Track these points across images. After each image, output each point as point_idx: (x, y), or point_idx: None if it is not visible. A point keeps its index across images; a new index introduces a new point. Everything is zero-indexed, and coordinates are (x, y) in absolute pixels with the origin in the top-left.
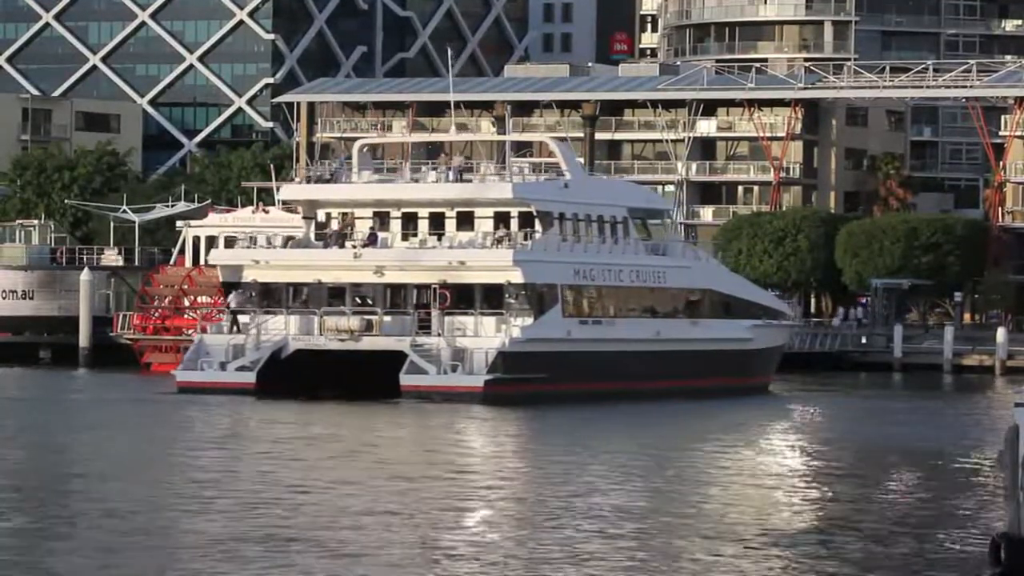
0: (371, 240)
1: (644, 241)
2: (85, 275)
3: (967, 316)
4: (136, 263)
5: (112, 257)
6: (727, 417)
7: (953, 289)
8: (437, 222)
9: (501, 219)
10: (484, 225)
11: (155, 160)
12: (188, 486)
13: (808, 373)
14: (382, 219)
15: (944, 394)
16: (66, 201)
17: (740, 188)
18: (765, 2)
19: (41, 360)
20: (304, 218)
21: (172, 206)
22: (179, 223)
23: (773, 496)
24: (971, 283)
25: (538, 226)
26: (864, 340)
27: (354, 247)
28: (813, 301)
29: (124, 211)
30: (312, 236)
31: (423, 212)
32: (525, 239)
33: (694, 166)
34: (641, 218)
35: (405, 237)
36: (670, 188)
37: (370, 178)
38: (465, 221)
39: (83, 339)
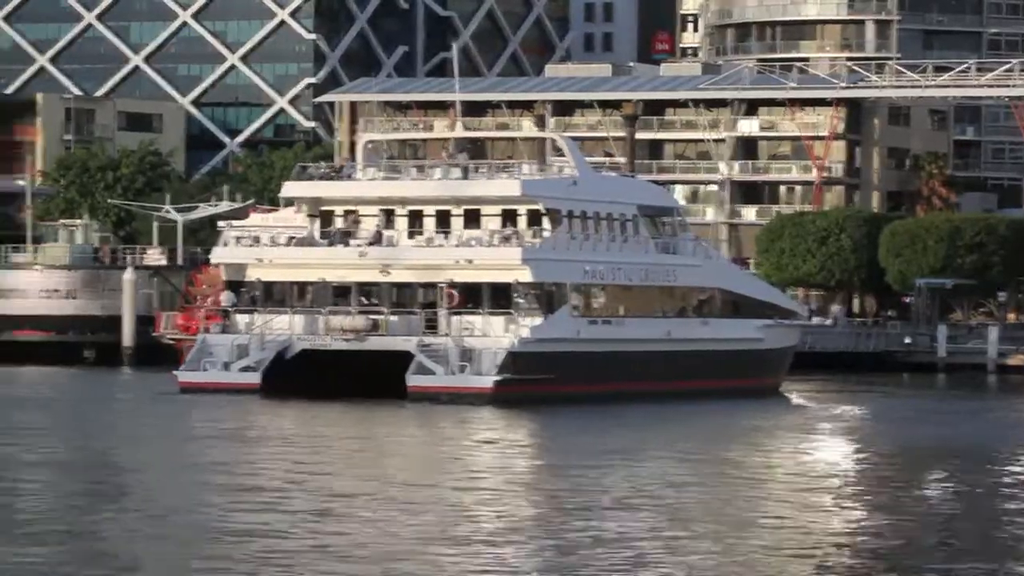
0: (377, 238)
1: (654, 239)
2: (128, 274)
3: (1011, 316)
4: (179, 263)
5: (155, 256)
6: (750, 418)
7: (997, 289)
8: (443, 220)
9: (508, 217)
10: (491, 223)
11: (197, 160)
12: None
13: (852, 373)
14: (387, 217)
15: (989, 394)
16: (109, 201)
17: (782, 188)
18: (807, 1)
19: (85, 360)
20: (308, 216)
21: (215, 206)
22: (221, 223)
23: (812, 498)
24: (1015, 282)
25: (546, 224)
26: (908, 340)
27: (359, 245)
28: (856, 301)
29: (167, 211)
30: (317, 234)
31: (429, 210)
32: (534, 237)
33: (736, 166)
34: (651, 216)
35: (411, 235)
36: (712, 188)
37: (376, 175)
38: (472, 219)
39: (126, 338)
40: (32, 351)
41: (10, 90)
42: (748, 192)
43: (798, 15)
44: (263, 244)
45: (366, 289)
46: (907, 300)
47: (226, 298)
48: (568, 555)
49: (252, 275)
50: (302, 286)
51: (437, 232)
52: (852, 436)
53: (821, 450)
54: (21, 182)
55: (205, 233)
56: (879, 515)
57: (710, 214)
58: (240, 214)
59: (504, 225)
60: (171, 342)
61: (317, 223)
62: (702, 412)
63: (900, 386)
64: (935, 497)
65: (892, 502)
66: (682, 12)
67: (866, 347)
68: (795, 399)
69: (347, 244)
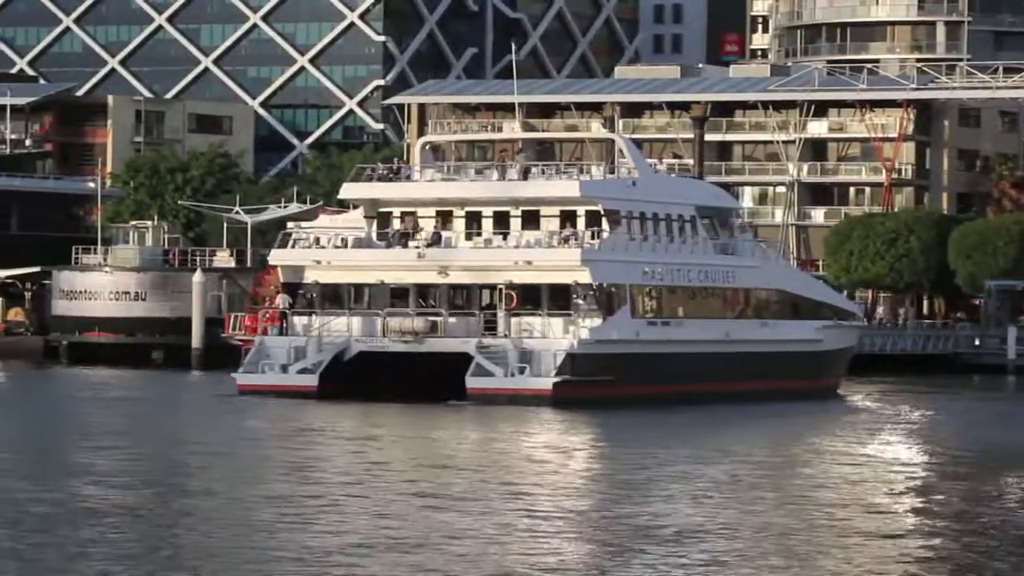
0: (435, 240)
1: (713, 240)
2: (197, 276)
3: None
4: (248, 264)
5: (224, 258)
6: (822, 420)
7: None
8: (502, 221)
9: (567, 218)
10: (550, 224)
11: (267, 162)
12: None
13: (921, 375)
14: (445, 218)
15: None
16: (179, 202)
17: (852, 189)
18: (877, 3)
19: (153, 361)
20: (366, 217)
21: (284, 207)
22: (290, 224)
23: (883, 502)
24: None
25: (605, 225)
26: (977, 342)
27: (417, 247)
28: (926, 303)
29: (236, 212)
30: (374, 236)
31: (487, 211)
32: (593, 238)
33: (805, 167)
34: (709, 217)
35: (469, 236)
36: (781, 189)
37: (434, 176)
38: (530, 220)
39: (195, 340)
40: (101, 353)
41: (81, 92)
42: (817, 194)
43: (868, 16)
44: (321, 246)
45: (424, 291)
46: (977, 302)
47: (281, 300)
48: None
49: (310, 277)
50: (360, 288)
51: (495, 233)
52: (927, 438)
53: (900, 452)
54: (91, 184)
55: (274, 235)
56: (958, 519)
57: (779, 216)
58: (309, 216)
59: (563, 226)
60: (239, 343)
61: (374, 224)
62: (778, 414)
63: (970, 388)
64: None
65: (976, 507)
66: (751, 14)
67: (935, 349)
68: (864, 400)
69: (405, 246)
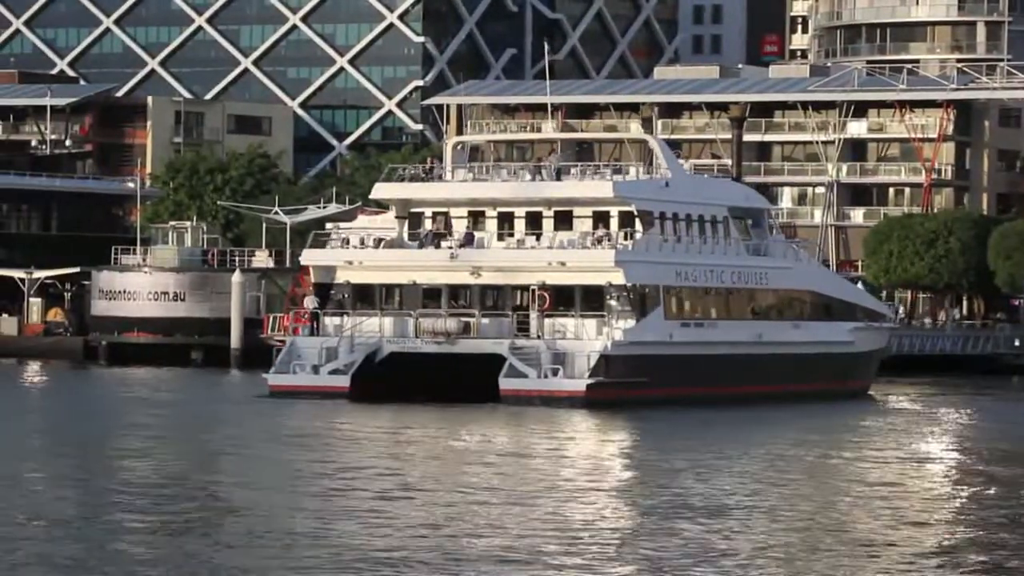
0: (467, 240)
1: (745, 241)
2: (236, 277)
3: None
4: (287, 264)
5: (263, 259)
6: (859, 421)
7: None
8: (534, 222)
9: (600, 219)
10: (583, 225)
11: (305, 162)
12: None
13: (960, 376)
14: (477, 219)
15: None
16: (218, 203)
17: (891, 190)
18: (917, 3)
19: (193, 362)
20: (397, 218)
21: (323, 208)
22: (329, 225)
23: (914, 504)
24: None
25: (638, 226)
26: (1017, 343)
27: (450, 247)
28: (965, 304)
29: (275, 213)
30: (406, 236)
31: (519, 212)
32: (626, 239)
33: (845, 168)
34: (742, 217)
35: (501, 237)
36: (820, 190)
37: (465, 177)
38: (563, 221)
39: (234, 340)
40: (141, 353)
41: (121, 93)
42: (856, 194)
43: (908, 17)
44: (352, 246)
45: (456, 291)
46: (1016, 303)
47: (308, 302)
48: None
49: (341, 277)
50: (391, 288)
51: (528, 234)
52: (964, 438)
53: (938, 451)
54: (131, 184)
55: (312, 235)
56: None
57: (818, 216)
58: (348, 216)
59: (596, 227)
60: (277, 344)
61: (406, 225)
62: (813, 415)
63: (1010, 389)
64: None
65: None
66: (791, 14)
67: (974, 350)
68: (901, 401)
69: (437, 246)
